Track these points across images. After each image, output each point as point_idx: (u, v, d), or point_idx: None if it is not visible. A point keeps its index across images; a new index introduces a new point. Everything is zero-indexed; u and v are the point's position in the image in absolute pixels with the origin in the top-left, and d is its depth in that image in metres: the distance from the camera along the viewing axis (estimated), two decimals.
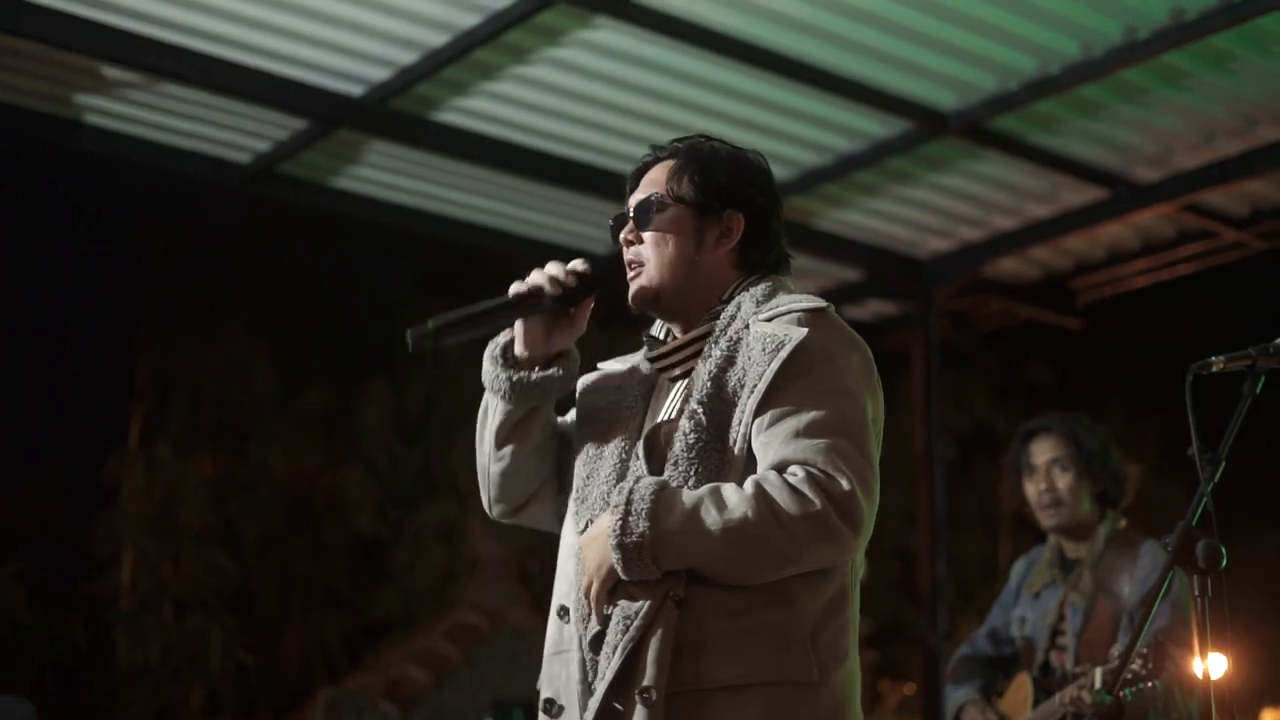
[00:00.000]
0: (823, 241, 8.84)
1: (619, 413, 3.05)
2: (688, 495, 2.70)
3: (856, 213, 8.62)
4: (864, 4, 6.44)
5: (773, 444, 2.74)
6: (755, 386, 2.77)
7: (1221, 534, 3.13)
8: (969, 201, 8.44)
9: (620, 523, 2.70)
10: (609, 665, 2.71)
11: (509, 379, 3.01)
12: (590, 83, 7.11)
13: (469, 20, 6.55)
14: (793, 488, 2.64)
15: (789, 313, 2.86)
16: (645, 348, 3.12)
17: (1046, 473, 5.24)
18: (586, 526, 2.89)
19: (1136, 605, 4.89)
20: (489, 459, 3.11)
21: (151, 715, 13.29)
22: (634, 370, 3.14)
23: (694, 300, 3.03)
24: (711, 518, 2.66)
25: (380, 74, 7.03)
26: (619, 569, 2.71)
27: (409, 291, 14.56)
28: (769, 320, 2.87)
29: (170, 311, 14.16)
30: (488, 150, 7.59)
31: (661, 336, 3.12)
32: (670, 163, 3.10)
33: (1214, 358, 3.27)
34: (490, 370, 3.06)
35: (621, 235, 3.09)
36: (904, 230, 8.86)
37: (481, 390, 3.11)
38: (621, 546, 2.69)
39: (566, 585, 2.95)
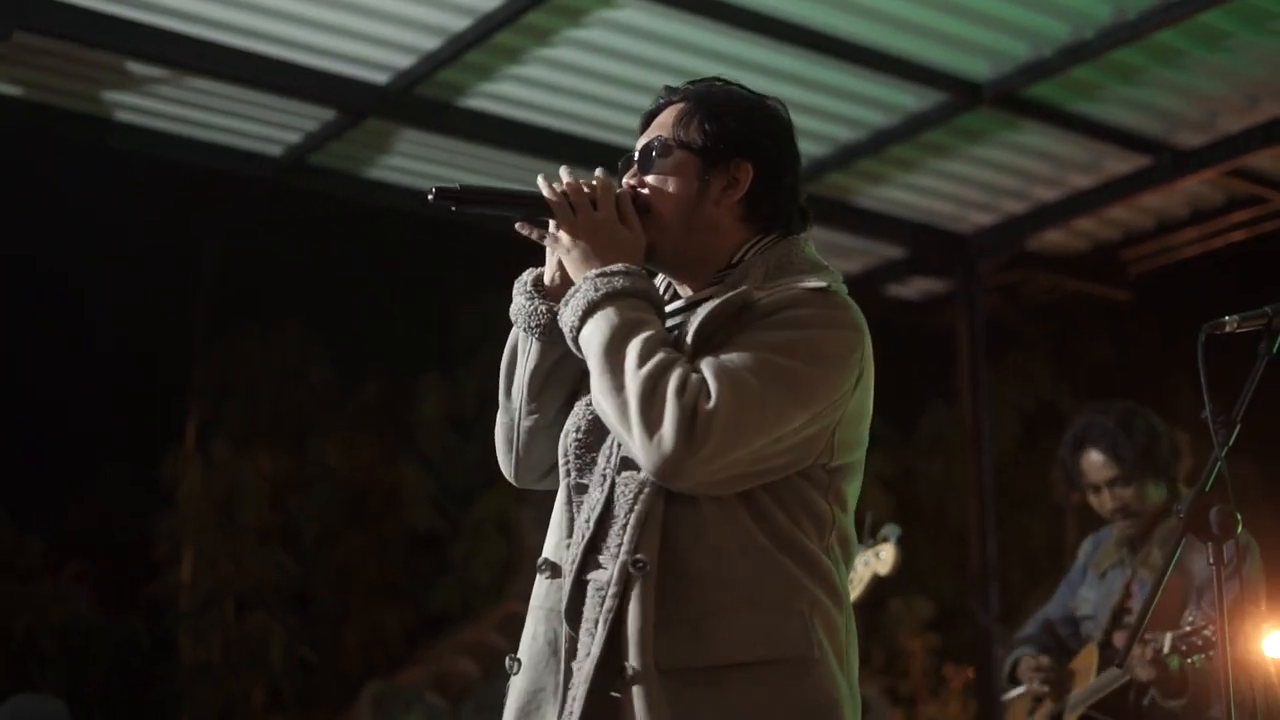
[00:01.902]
0: (863, 219, 8.75)
1: None
2: (648, 321, 2.62)
3: (896, 189, 8.52)
4: None
5: (707, 357, 2.60)
6: (710, 322, 2.66)
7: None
8: (1010, 173, 8.32)
9: (605, 271, 2.66)
10: (593, 641, 2.61)
11: (550, 309, 2.79)
12: (615, 63, 7.05)
13: (490, 3, 6.50)
14: (685, 381, 2.51)
15: (789, 290, 2.69)
16: None
17: (1110, 491, 5.15)
18: (581, 483, 2.76)
19: (1207, 581, 4.78)
20: (518, 414, 2.89)
21: (214, 713, 13.32)
22: None
23: (696, 253, 2.84)
24: (628, 343, 2.57)
25: (404, 61, 7.00)
26: (576, 264, 2.72)
27: (460, 282, 14.54)
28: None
29: (223, 310, 14.20)
30: (516, 135, 7.56)
31: (662, 290, 2.94)
32: (681, 105, 2.90)
33: (1228, 317, 3.18)
34: (521, 303, 2.85)
35: (624, 179, 2.91)
36: (945, 205, 8.74)
37: None
38: (585, 280, 2.66)
39: (555, 540, 2.81)
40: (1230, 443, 3.08)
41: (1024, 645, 5.36)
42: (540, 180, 2.78)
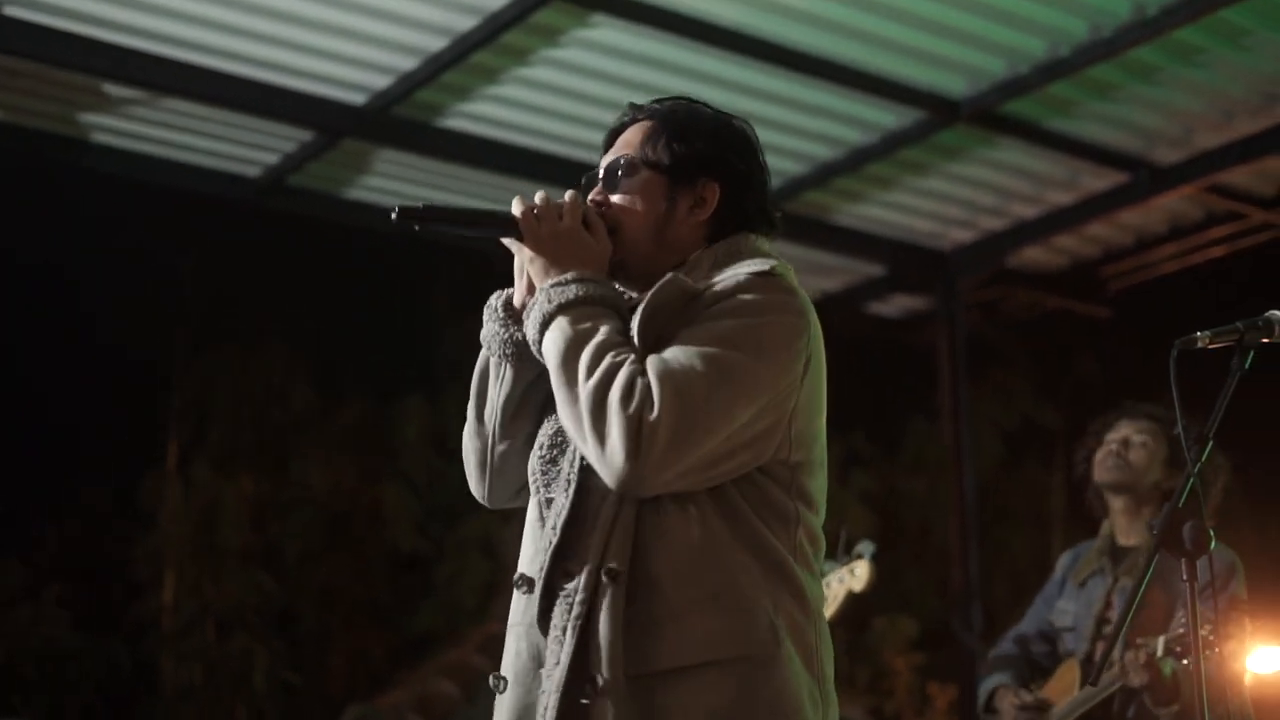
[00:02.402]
0: (843, 237, 8.76)
1: None
2: (602, 327, 2.60)
3: (875, 206, 8.53)
4: None
5: (654, 356, 2.58)
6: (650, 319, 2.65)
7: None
8: (988, 190, 8.34)
9: (559, 281, 2.64)
10: (561, 649, 2.60)
11: (521, 334, 2.75)
12: (592, 82, 7.06)
13: (466, 23, 6.51)
14: (630, 388, 2.50)
15: (732, 278, 2.67)
16: None
17: (1126, 439, 5.09)
18: (550, 497, 2.73)
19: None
20: (491, 439, 2.85)
21: None
22: None
23: (661, 269, 2.78)
24: (579, 354, 2.56)
25: (381, 81, 7.00)
26: (538, 276, 2.69)
27: (442, 303, 14.52)
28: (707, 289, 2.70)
29: (203, 331, 14.14)
30: (494, 154, 7.56)
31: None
32: (647, 124, 2.87)
33: (1200, 333, 3.18)
34: (494, 330, 2.81)
35: (590, 197, 2.87)
36: (925, 222, 8.76)
37: None
38: (542, 292, 2.65)
39: (529, 555, 2.78)
40: (1203, 459, 3.07)
41: (999, 670, 5.31)
42: (515, 200, 2.75)
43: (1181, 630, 4.40)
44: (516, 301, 2.82)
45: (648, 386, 2.51)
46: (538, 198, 2.76)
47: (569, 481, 2.69)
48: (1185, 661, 4.39)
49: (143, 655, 13.56)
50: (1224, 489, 5.12)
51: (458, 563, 14.66)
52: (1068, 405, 16.82)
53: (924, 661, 14.17)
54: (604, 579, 2.58)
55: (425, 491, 15.10)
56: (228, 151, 7.75)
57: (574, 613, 2.59)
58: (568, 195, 2.78)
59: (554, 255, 2.70)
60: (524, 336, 2.74)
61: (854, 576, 5.53)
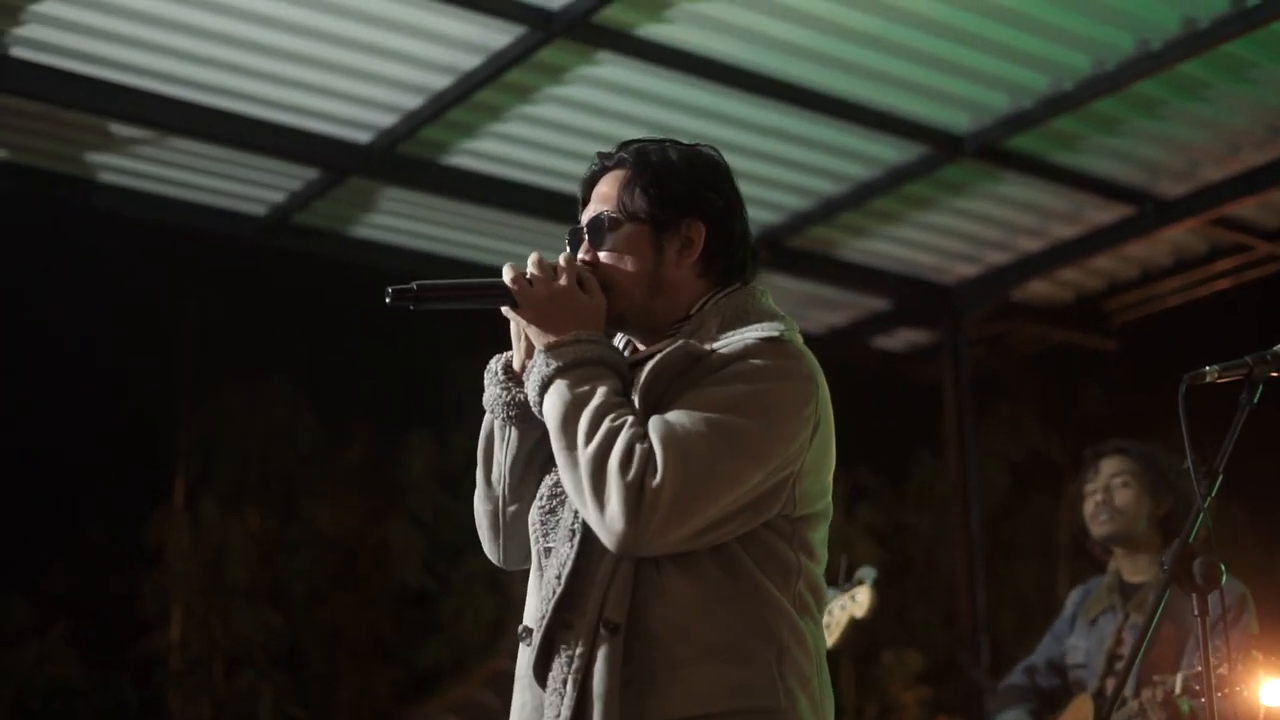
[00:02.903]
0: (847, 272, 8.75)
1: None
2: (600, 389, 2.61)
3: (879, 241, 8.53)
4: (870, 29, 6.36)
5: (656, 418, 2.59)
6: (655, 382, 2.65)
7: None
8: (993, 225, 8.34)
9: (556, 343, 2.66)
10: (561, 702, 2.59)
11: (524, 396, 2.74)
12: (597, 119, 7.06)
13: (471, 61, 6.52)
14: (629, 453, 2.50)
15: (740, 341, 2.67)
16: None
17: (1107, 486, 5.14)
18: (549, 547, 2.74)
19: (1210, 629, 4.73)
20: (501, 502, 2.85)
21: None
22: None
23: (662, 316, 2.81)
24: (578, 419, 2.57)
25: (386, 120, 7.01)
26: (536, 338, 2.71)
27: (448, 340, 14.53)
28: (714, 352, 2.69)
29: (209, 369, 14.18)
30: (499, 191, 7.57)
31: (622, 346, 2.92)
32: (619, 173, 2.86)
33: (1209, 368, 3.18)
34: (496, 393, 2.80)
35: (579, 256, 2.86)
36: (929, 257, 8.76)
37: None
38: (539, 355, 2.66)
39: (532, 606, 2.77)
40: (1213, 493, 3.07)
41: (1012, 704, 5.29)
42: (505, 268, 2.74)
43: (1199, 669, 4.37)
44: (516, 365, 2.82)
45: (649, 451, 2.51)
46: (530, 261, 2.75)
47: (573, 532, 2.68)
48: (1204, 700, 4.37)
49: (150, 692, 13.58)
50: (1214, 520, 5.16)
51: (464, 599, 14.66)
52: (1074, 438, 16.81)
53: (931, 695, 14.16)
54: (603, 632, 2.58)
55: (431, 528, 15.11)
56: (234, 190, 7.76)
57: (574, 666, 2.59)
58: (562, 257, 2.77)
59: (550, 317, 2.70)
60: (524, 399, 2.74)
61: (855, 603, 5.50)
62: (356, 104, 6.90)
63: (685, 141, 2.93)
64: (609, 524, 2.51)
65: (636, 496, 2.48)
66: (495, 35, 6.31)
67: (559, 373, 2.63)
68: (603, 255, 2.82)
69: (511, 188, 7.58)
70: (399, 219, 8.14)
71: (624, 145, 2.92)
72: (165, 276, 13.31)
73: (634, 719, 2.56)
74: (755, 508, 2.60)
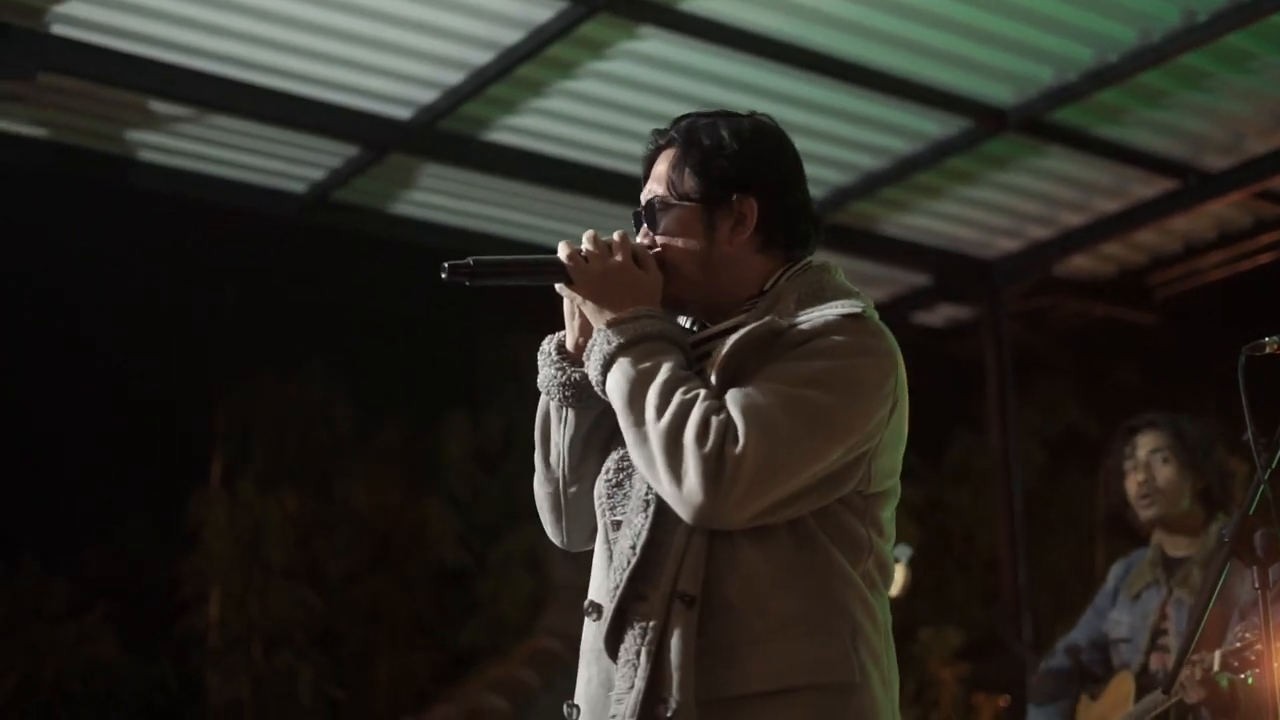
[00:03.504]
0: (888, 247, 8.72)
1: None
2: (665, 363, 2.59)
3: (921, 215, 8.49)
4: (914, 1, 6.31)
5: (735, 390, 2.56)
6: (737, 353, 2.62)
7: None
8: (1035, 199, 8.30)
9: (616, 319, 2.64)
10: (635, 674, 2.56)
11: (579, 376, 2.74)
12: (638, 94, 7.04)
13: (512, 36, 6.50)
14: (706, 423, 2.48)
15: (820, 317, 2.64)
16: None
17: (1147, 464, 5.11)
18: (617, 519, 2.72)
19: (1250, 605, 4.71)
20: (562, 483, 2.85)
21: None
22: None
23: (722, 294, 2.78)
24: (646, 394, 2.55)
25: (427, 96, 7.00)
26: (593, 315, 2.69)
27: (482, 318, 14.53)
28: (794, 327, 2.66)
29: (247, 348, 14.18)
30: (539, 167, 7.55)
31: (690, 324, 2.90)
32: (670, 152, 2.83)
33: (1268, 339, 3.15)
34: (549, 373, 2.80)
35: (639, 238, 2.85)
36: (970, 231, 8.71)
37: None
38: (599, 333, 2.64)
39: (599, 580, 2.77)
40: (1273, 465, 3.04)
41: (1052, 696, 5.27)
42: (560, 245, 2.73)
43: (1239, 645, 4.35)
44: (569, 345, 2.81)
45: (726, 422, 2.48)
46: (585, 238, 2.73)
47: (646, 503, 2.65)
48: (1244, 675, 4.34)
49: (188, 672, 13.61)
50: (1242, 488, 5.16)
51: (501, 578, 14.66)
52: (1109, 414, 16.71)
53: (969, 672, 14.12)
54: (678, 604, 2.56)
55: (468, 508, 15.12)
56: (273, 168, 7.77)
57: (647, 638, 2.56)
58: (616, 234, 2.75)
59: (607, 294, 2.69)
60: (581, 378, 2.73)
61: None
62: (397, 80, 6.88)
63: (740, 113, 2.89)
64: (687, 496, 2.48)
65: (716, 467, 2.45)
66: (537, 9, 6.29)
67: (621, 349, 2.60)
68: (659, 238, 2.81)
69: (553, 164, 7.55)
70: (439, 195, 8.13)
71: (678, 120, 2.89)
72: (203, 255, 13.33)
73: (710, 691, 2.54)
74: (832, 482, 2.58)
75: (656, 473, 2.52)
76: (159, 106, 7.06)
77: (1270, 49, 6.67)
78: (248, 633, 13.72)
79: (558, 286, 2.75)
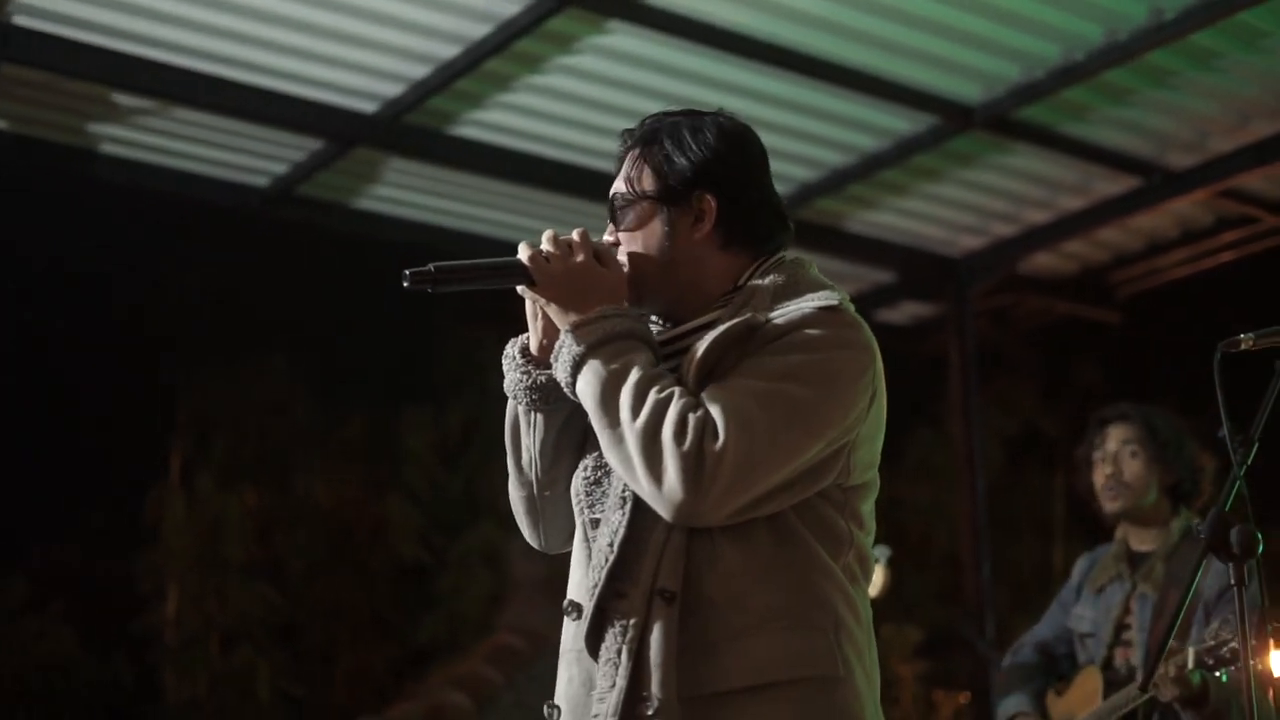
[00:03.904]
0: (854, 244, 8.72)
1: None
2: (636, 361, 2.56)
3: (886, 213, 8.49)
4: None
5: (711, 386, 2.55)
6: (711, 349, 2.60)
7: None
8: (1000, 196, 8.30)
9: (582, 320, 2.60)
10: (616, 672, 2.55)
11: (544, 379, 2.72)
12: (606, 89, 7.01)
13: (479, 30, 6.46)
14: (683, 421, 2.46)
15: (798, 311, 2.63)
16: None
17: (1116, 456, 5.11)
18: (595, 518, 2.70)
19: (1215, 599, 4.72)
20: (535, 487, 2.83)
21: None
22: None
23: (684, 291, 2.77)
24: (619, 394, 2.52)
25: (393, 90, 6.95)
26: (558, 317, 2.67)
27: (445, 314, 14.49)
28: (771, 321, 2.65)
29: (207, 343, 14.13)
30: (506, 162, 7.51)
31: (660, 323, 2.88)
32: (634, 152, 2.84)
33: (1243, 335, 3.16)
34: (515, 379, 2.77)
35: (605, 237, 2.85)
36: (936, 229, 8.72)
37: None
38: (567, 334, 2.60)
39: (578, 578, 2.74)
40: (1249, 461, 3.05)
41: (1019, 686, 5.26)
42: (521, 246, 2.71)
43: (1213, 642, 4.35)
44: (533, 347, 2.79)
45: (704, 419, 2.47)
46: (545, 238, 2.71)
47: (624, 500, 2.63)
48: (1218, 673, 4.35)
49: (146, 669, 13.56)
50: (1211, 484, 5.16)
51: (461, 574, 14.65)
52: (1069, 412, 16.81)
53: (928, 669, 14.16)
54: (658, 601, 2.54)
55: (429, 503, 15.10)
56: (237, 161, 7.70)
57: (628, 636, 2.55)
58: (575, 232, 2.73)
59: (571, 293, 2.67)
60: (547, 381, 2.71)
61: None
62: (363, 74, 6.83)
63: (705, 112, 2.88)
64: (667, 495, 2.47)
65: (695, 464, 2.44)
66: (505, 4, 6.25)
67: (590, 351, 2.58)
68: (623, 236, 2.81)
69: (518, 159, 7.52)
70: (403, 190, 8.08)
71: (642, 122, 2.89)
72: (163, 249, 13.26)
73: (692, 688, 2.52)
74: (812, 476, 2.57)
75: (634, 473, 2.51)
76: (122, 99, 6.99)
77: (1236, 47, 6.68)
78: (206, 630, 13.67)
79: (522, 290, 2.73)
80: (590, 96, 7.06)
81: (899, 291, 9.56)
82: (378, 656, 14.58)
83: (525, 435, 2.81)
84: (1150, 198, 8.01)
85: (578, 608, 2.69)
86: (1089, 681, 5.05)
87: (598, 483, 2.73)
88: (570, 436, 2.80)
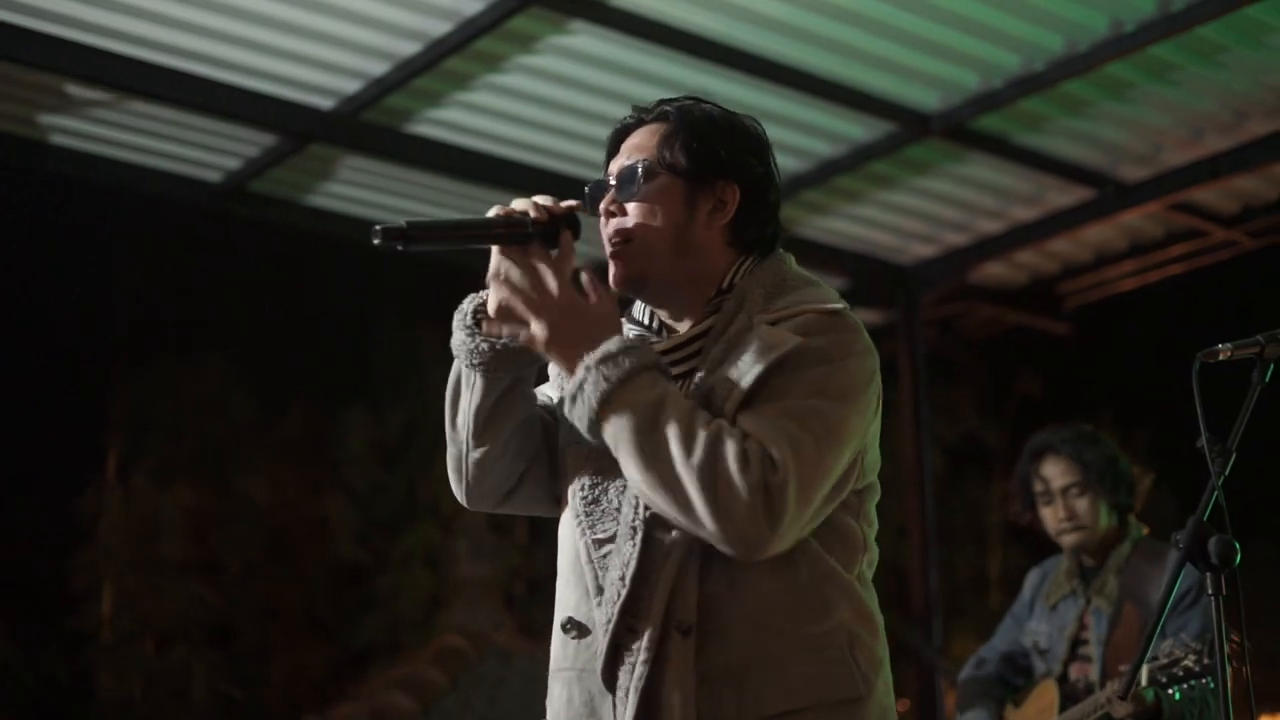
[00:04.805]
0: (805, 249, 8.70)
1: None
2: (668, 395, 2.47)
3: (839, 219, 8.49)
4: (843, 3, 6.30)
5: (751, 413, 2.50)
6: (743, 379, 2.53)
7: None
8: (953, 205, 8.33)
9: (601, 357, 2.49)
10: (631, 708, 2.51)
11: (490, 344, 2.63)
12: (566, 90, 6.97)
13: (440, 28, 6.41)
14: (744, 456, 2.41)
15: (800, 314, 2.61)
16: (631, 335, 2.80)
17: (1064, 499, 5.12)
18: (599, 538, 2.64)
19: (1170, 612, 4.74)
20: (465, 447, 2.73)
21: None
22: None
23: (684, 280, 2.72)
24: (663, 432, 2.44)
25: (351, 86, 6.89)
26: (562, 356, 2.54)
27: (388, 313, 14.44)
28: (776, 321, 2.61)
29: (147, 339, 14.01)
30: (462, 162, 7.45)
31: (645, 320, 2.83)
32: (658, 126, 2.78)
33: (1221, 345, 3.16)
34: (463, 339, 2.67)
35: (602, 205, 2.76)
36: (888, 236, 8.74)
37: None
38: (588, 373, 2.49)
39: (576, 597, 2.68)
40: (1226, 472, 3.05)
41: (977, 701, 5.28)
42: (493, 209, 2.62)
43: (1166, 660, 4.37)
44: (490, 309, 2.65)
45: (761, 452, 2.43)
46: (520, 205, 2.63)
47: (634, 530, 2.59)
48: (1171, 690, 4.37)
49: (80, 667, 13.45)
50: (1147, 493, 5.26)
51: (401, 575, 14.61)
52: (1009, 423, 16.92)
53: None
54: (675, 635, 2.51)
55: (368, 503, 15.05)
56: (190, 155, 7.61)
57: (636, 673, 2.52)
58: (547, 267, 2.61)
59: (571, 334, 2.56)
60: (488, 348, 2.63)
61: None
62: (321, 69, 6.76)
63: (725, 108, 2.87)
64: (739, 533, 2.42)
65: (765, 499, 2.40)
66: (467, 1, 6.21)
67: (618, 389, 2.49)
68: (631, 206, 2.73)
69: (475, 158, 7.46)
70: (357, 188, 8.01)
71: (664, 101, 2.85)
72: (109, 243, 13.15)
73: (719, 717, 2.50)
74: (839, 488, 2.58)
75: (695, 514, 2.43)
76: (75, 90, 6.89)
77: (1194, 61, 6.73)
78: (141, 629, 13.58)
79: (496, 249, 2.62)
80: (549, 97, 7.03)
81: (849, 298, 9.35)
82: (315, 657, 14.52)
83: (464, 395, 2.72)
84: (1102, 209, 8.05)
85: (579, 626, 2.66)
86: (1045, 695, 5.07)
87: (595, 501, 2.68)
88: (509, 408, 2.71)
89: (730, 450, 2.42)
